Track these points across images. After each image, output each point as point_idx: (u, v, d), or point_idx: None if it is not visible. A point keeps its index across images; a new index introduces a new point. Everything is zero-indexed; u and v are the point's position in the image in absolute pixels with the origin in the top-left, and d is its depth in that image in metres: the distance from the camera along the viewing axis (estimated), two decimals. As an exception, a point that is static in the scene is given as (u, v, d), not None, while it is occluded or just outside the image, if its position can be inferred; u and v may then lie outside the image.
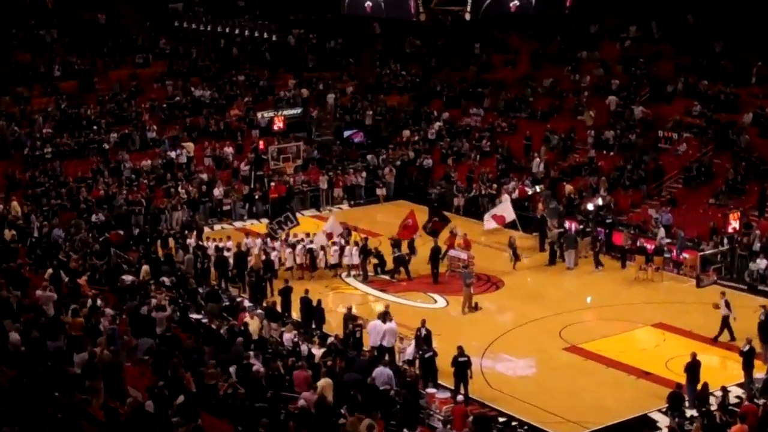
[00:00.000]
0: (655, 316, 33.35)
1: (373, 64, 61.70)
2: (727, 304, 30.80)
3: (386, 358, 27.82)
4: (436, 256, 37.16)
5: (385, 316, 28.87)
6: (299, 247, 37.64)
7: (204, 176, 47.39)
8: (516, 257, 38.36)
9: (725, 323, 30.79)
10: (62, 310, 26.24)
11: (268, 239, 38.20)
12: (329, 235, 38.84)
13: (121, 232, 41.01)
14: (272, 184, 47.28)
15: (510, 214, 41.34)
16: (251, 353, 24.83)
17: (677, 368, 27.44)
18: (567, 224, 40.85)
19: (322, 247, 37.78)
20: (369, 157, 52.38)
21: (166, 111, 53.10)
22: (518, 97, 54.10)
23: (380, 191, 49.42)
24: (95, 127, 49.83)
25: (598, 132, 48.21)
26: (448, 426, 23.84)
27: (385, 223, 42.28)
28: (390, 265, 37.64)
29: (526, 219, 43.06)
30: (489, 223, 41.96)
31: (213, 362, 22.98)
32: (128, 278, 31.59)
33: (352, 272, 37.84)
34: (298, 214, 41.77)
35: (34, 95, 51.96)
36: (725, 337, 30.76)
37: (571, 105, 51.62)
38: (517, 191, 45.10)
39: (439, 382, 27.28)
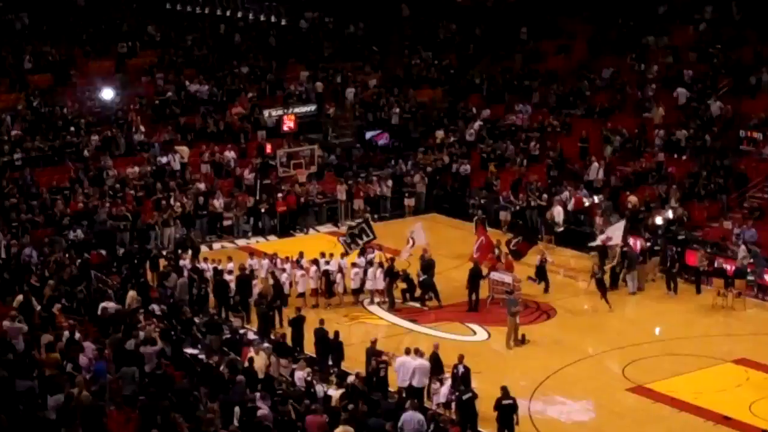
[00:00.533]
0: (736, 350, 33.16)
1: (400, 53, 61.76)
2: None
3: (416, 400, 27.74)
4: (475, 279, 37.09)
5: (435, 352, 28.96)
6: (313, 269, 37.67)
7: (201, 186, 47.50)
8: (603, 293, 37.08)
9: None
10: (34, 345, 26.34)
11: (278, 260, 38.21)
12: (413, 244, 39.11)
13: (104, 253, 41.13)
14: (281, 195, 47.37)
15: (617, 238, 40.25)
16: (257, 395, 24.82)
17: (763, 412, 27.31)
18: (631, 241, 40.67)
19: (340, 269, 37.78)
20: (396, 162, 52.42)
21: (156, 109, 53.32)
22: (573, 91, 54.04)
23: (408, 202, 49.42)
24: (73, 129, 50.01)
25: (668, 132, 48.08)
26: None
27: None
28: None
29: (582, 235, 42.92)
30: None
31: (211, 405, 23.00)
32: (111, 306, 31.66)
33: (376, 299, 37.86)
34: (316, 229, 41.70)
35: (0, 91, 52.28)
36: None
37: (636, 100, 51.50)
38: (572, 202, 44.99)
39: (480, 429, 27.17)
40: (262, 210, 46.91)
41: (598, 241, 40.19)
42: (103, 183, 46.98)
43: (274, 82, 57.32)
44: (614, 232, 39.69)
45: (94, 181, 46.97)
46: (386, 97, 57.48)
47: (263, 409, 23.92)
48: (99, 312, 31.42)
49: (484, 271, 37.72)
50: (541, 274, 38.47)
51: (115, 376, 25.05)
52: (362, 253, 38.89)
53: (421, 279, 37.67)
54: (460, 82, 58.66)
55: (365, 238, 39.33)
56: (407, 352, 29.15)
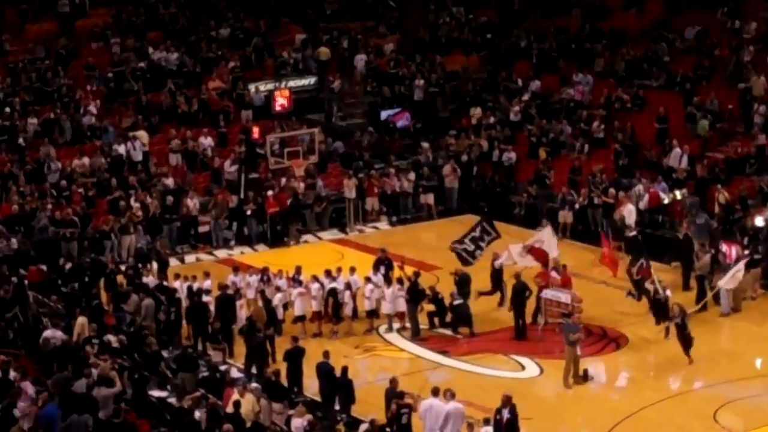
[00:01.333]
0: None
1: (424, 9, 61.84)
2: None
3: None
4: (521, 298, 37.06)
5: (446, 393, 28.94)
6: (315, 286, 37.68)
7: (169, 182, 47.64)
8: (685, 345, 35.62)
9: None
10: (-43, 386, 26.48)
11: (269, 276, 38.24)
12: (538, 254, 39.00)
13: (45, 268, 41.21)
14: (271, 192, 47.40)
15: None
16: (243, 448, 24.96)
17: None
18: (724, 248, 40.63)
19: (349, 287, 37.76)
20: (421, 148, 52.42)
21: (111, 84, 53.46)
22: (648, 56, 54.03)
23: (425, 198, 49.29)
24: (7, 110, 50.24)
25: (770, 107, 48.21)
26: None
27: (443, 249, 42.24)
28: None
29: (662, 241, 42.88)
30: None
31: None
32: (55, 336, 31.73)
33: (395, 325, 37.94)
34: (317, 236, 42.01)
35: None
36: None
37: (729, 66, 51.48)
38: (645, 198, 44.95)
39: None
40: (248, 212, 46.92)
41: (726, 282, 38.41)
42: (44, 179, 47.10)
43: (262, 48, 57.41)
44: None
45: (33, 176, 47.07)
46: (406, 66, 57.54)
47: (252, 467, 24.04)
48: (40, 344, 31.48)
49: (533, 288, 37.72)
50: (640, 288, 37.78)
51: (61, 425, 25.10)
52: (377, 266, 38.92)
53: (455, 303, 37.57)
54: (501, 45, 58.70)
55: (487, 239, 39.74)
56: (435, 393, 29.17)
